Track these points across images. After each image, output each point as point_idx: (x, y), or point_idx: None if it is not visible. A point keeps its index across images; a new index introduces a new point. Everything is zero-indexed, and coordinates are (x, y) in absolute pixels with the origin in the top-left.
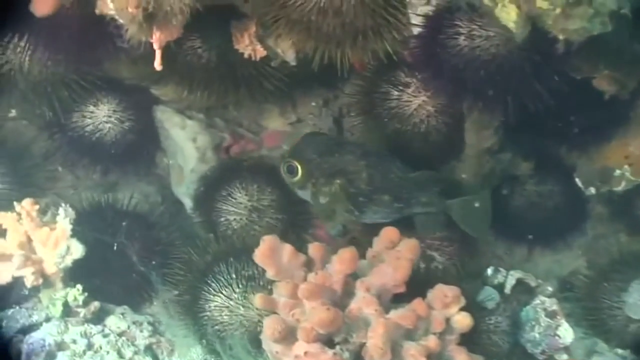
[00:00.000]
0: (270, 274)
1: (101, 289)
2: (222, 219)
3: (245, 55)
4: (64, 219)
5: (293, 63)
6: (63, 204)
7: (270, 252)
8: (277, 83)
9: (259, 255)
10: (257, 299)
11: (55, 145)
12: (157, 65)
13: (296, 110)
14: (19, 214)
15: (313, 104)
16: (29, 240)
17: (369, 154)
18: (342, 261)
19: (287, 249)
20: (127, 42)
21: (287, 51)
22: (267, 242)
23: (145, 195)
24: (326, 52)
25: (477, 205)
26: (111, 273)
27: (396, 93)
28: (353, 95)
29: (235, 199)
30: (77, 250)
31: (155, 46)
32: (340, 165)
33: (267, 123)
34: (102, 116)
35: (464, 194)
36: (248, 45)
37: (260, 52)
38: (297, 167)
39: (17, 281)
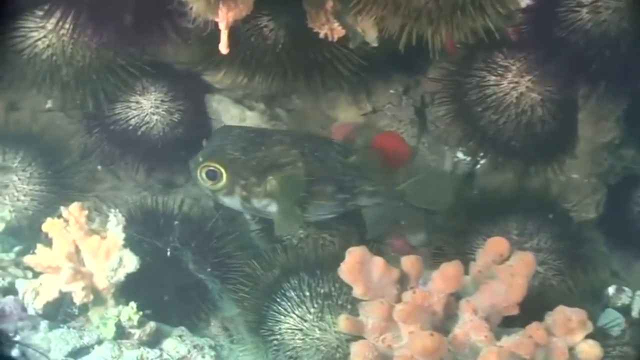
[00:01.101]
0: (357, 291)
1: (155, 306)
2: None
3: (321, 35)
4: (116, 226)
5: (374, 44)
6: (113, 209)
7: (358, 267)
8: (353, 68)
9: (346, 269)
10: (342, 321)
11: (95, 141)
12: (223, 48)
13: (371, 99)
14: (66, 220)
15: (391, 91)
16: (77, 250)
17: (300, 140)
18: (445, 278)
19: (378, 262)
20: (192, 21)
21: (368, 30)
22: (355, 254)
23: (195, 199)
24: (415, 31)
25: (432, 181)
26: (165, 289)
27: (493, 78)
28: (439, 80)
29: None
30: (131, 262)
31: (222, 26)
32: (270, 158)
33: (336, 114)
34: (148, 107)
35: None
36: (324, 24)
37: (338, 31)
38: (219, 171)
39: (64, 297)
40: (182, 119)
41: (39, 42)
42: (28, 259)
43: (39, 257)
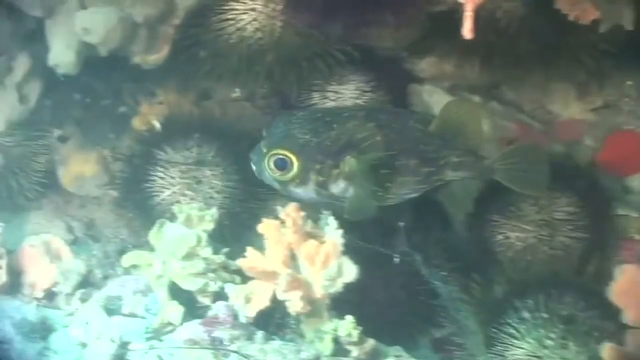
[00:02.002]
0: (630, 317)
1: (373, 321)
2: (500, 236)
3: (570, 18)
4: (335, 230)
5: (629, 27)
6: (325, 211)
7: (632, 287)
8: (598, 55)
9: (618, 291)
10: (608, 351)
11: None
12: (467, 32)
13: (602, 92)
14: (282, 222)
15: (629, 82)
16: (293, 256)
17: (374, 112)
18: None
19: None
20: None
21: (625, 10)
22: (628, 273)
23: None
24: None
25: (528, 157)
26: (383, 301)
27: None
28: None
29: (519, 210)
30: (350, 271)
31: (468, 7)
32: (345, 136)
33: (559, 109)
34: (348, 97)
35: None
36: (575, 4)
37: (592, 13)
38: (289, 158)
39: (277, 307)
40: None
41: (248, 25)
42: (242, 263)
43: (252, 261)
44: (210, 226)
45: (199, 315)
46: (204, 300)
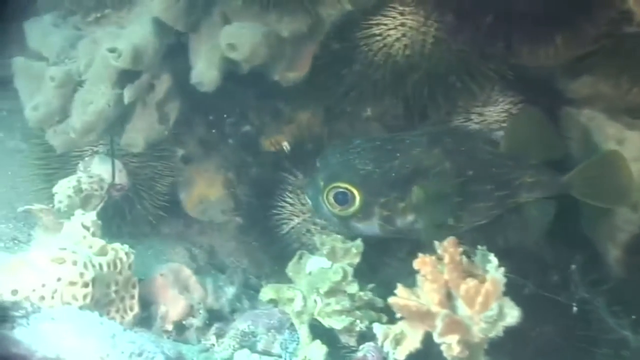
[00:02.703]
0: None
1: None
2: None
3: None
4: (496, 268)
5: None
6: (480, 246)
7: None
8: None
9: None
10: None
11: None
12: None
13: None
14: (439, 258)
15: None
16: (449, 295)
17: (440, 135)
18: None
19: None
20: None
21: None
22: None
23: None
24: None
25: (607, 168)
26: (543, 346)
27: None
28: None
29: None
30: (512, 314)
31: None
32: (409, 165)
33: None
34: (493, 119)
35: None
36: None
37: None
38: (350, 192)
39: (429, 350)
40: None
41: (396, 42)
42: (392, 301)
43: (404, 299)
44: (356, 260)
45: (342, 356)
46: (348, 341)
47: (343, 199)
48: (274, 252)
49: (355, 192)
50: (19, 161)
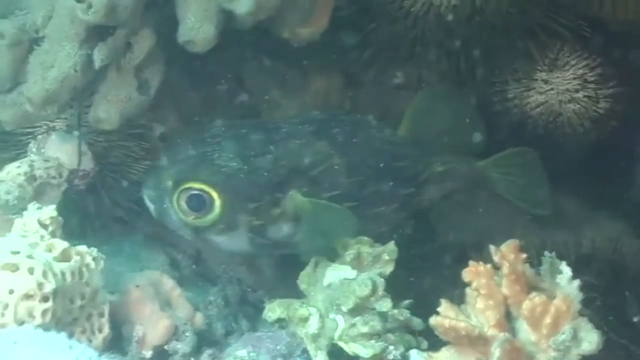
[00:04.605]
0: None
1: None
2: None
3: None
4: (569, 281)
5: None
6: (548, 253)
7: None
8: None
9: None
10: None
11: None
12: None
13: None
14: (494, 267)
15: None
16: (509, 314)
17: (324, 123)
18: None
19: None
20: None
21: None
22: None
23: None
24: None
25: (526, 160)
26: None
27: None
28: None
29: None
30: (591, 339)
31: None
32: (286, 161)
33: None
34: (563, 89)
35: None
36: None
37: None
38: (208, 195)
39: None
40: (612, 111)
41: None
42: (435, 322)
43: (450, 319)
44: (388, 269)
45: None
46: None
47: (198, 204)
48: (280, 259)
49: (215, 195)
50: None
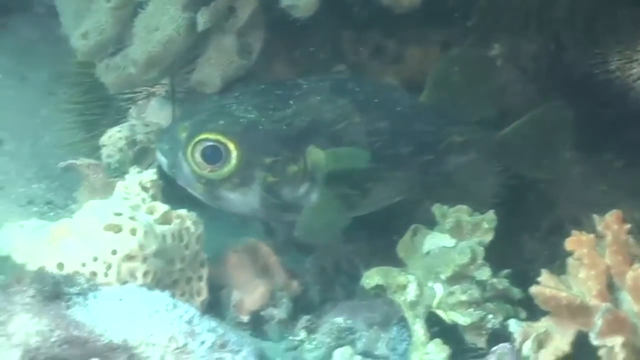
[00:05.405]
0: None
1: None
2: None
3: None
4: None
5: None
6: None
7: None
8: None
9: None
10: None
11: None
12: None
13: None
14: (598, 236)
15: None
16: (610, 285)
17: (345, 83)
18: None
19: None
20: None
21: None
22: None
23: None
24: None
25: (546, 125)
26: None
27: None
28: None
29: None
30: None
31: None
32: (305, 116)
33: None
34: None
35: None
36: None
37: None
38: (224, 146)
39: (582, 354)
40: None
41: None
42: (535, 292)
43: (550, 288)
44: (488, 237)
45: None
46: (476, 341)
47: (214, 155)
48: (375, 229)
49: (232, 146)
50: (51, 106)
